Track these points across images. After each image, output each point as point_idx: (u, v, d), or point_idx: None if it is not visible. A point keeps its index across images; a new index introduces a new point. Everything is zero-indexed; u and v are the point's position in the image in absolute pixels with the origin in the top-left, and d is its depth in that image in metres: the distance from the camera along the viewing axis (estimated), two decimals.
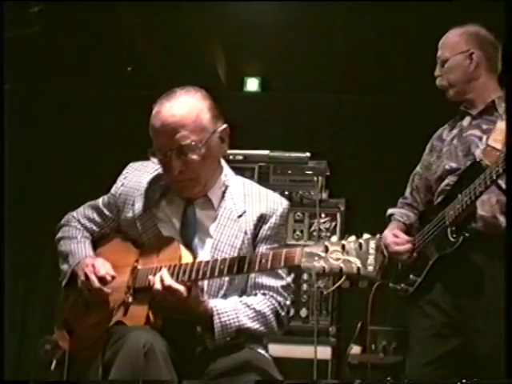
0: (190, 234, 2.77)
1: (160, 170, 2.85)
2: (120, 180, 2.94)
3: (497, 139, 3.21)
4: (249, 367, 2.56)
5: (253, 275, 2.74)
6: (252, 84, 5.19)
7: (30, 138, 5.20)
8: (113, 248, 2.95)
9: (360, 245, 2.25)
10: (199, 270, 2.55)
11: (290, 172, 4.37)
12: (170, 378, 2.45)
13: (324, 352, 3.98)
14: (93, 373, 2.68)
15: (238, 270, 2.50)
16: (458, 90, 3.44)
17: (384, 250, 2.25)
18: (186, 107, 2.67)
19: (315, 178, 4.26)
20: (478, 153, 3.28)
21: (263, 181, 4.29)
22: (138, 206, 2.84)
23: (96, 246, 2.99)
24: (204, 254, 2.73)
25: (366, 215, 4.45)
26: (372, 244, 2.24)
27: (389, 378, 3.78)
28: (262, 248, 2.74)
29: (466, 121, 3.46)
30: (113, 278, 2.73)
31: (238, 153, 4.39)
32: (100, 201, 2.99)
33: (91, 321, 2.79)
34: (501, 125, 3.25)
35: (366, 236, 2.27)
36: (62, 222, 3.06)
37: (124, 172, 2.96)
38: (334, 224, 4.21)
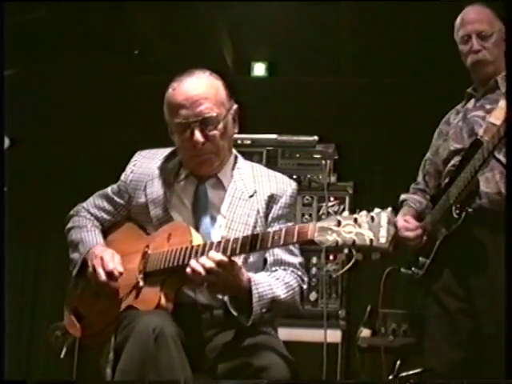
0: (202, 214, 2.79)
1: (171, 155, 2.90)
2: (129, 167, 2.97)
3: (498, 116, 3.19)
4: (261, 348, 2.55)
5: (272, 252, 2.75)
6: (259, 69, 5.19)
7: (33, 124, 5.17)
8: (123, 235, 2.96)
9: (372, 218, 2.25)
10: (211, 251, 2.54)
11: (298, 156, 4.35)
12: (180, 362, 2.44)
13: (334, 335, 3.97)
14: (104, 358, 2.67)
15: (251, 248, 2.50)
16: (498, 67, 3.36)
17: (396, 222, 2.23)
18: (206, 82, 2.75)
19: (323, 162, 4.23)
20: (480, 131, 3.28)
21: (271, 165, 4.25)
22: (151, 190, 2.86)
23: (106, 234, 2.99)
24: (217, 234, 2.74)
25: (375, 198, 4.44)
26: (384, 217, 2.24)
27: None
28: (275, 227, 2.74)
29: (471, 103, 3.48)
30: (120, 274, 2.72)
31: (246, 137, 4.37)
32: (109, 189, 3.01)
33: (101, 307, 2.79)
34: (503, 103, 3.22)
35: (377, 209, 2.26)
36: (72, 212, 3.07)
37: (133, 159, 2.99)
38: (342, 207, 4.19)
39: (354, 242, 2.24)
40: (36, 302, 5.21)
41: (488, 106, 3.36)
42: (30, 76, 4.53)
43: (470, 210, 3.22)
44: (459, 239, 3.27)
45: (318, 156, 4.28)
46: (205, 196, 2.81)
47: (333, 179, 4.28)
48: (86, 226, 2.96)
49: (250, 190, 2.81)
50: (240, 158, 2.90)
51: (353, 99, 4.86)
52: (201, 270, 2.47)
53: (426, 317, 3.45)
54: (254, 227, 2.75)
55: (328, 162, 4.26)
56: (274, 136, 4.42)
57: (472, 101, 3.48)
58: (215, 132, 2.72)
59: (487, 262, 3.25)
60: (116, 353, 2.51)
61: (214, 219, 2.79)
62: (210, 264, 2.47)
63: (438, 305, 3.35)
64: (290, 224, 2.78)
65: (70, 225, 3.02)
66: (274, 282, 2.64)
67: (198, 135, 2.70)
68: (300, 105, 4.85)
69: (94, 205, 3.02)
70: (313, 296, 4.09)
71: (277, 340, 2.70)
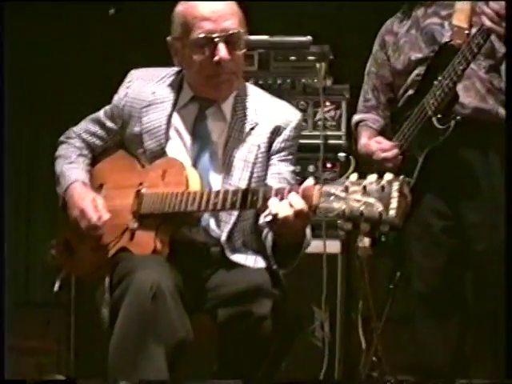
0: (200, 148, 2.71)
1: (167, 79, 2.78)
2: (123, 89, 2.84)
3: (461, 18, 3.13)
4: (260, 292, 2.51)
5: (274, 184, 2.66)
6: None
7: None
8: (115, 164, 2.88)
9: (382, 187, 2.13)
10: (209, 201, 2.48)
11: (291, 58, 4.15)
12: (179, 320, 2.43)
13: (333, 246, 3.93)
14: (99, 295, 2.70)
15: (252, 204, 2.42)
16: None
17: (407, 193, 2.13)
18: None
19: (318, 65, 4.05)
20: (444, 38, 3.21)
21: (264, 69, 4.12)
22: (146, 119, 2.76)
23: (97, 160, 2.92)
24: (216, 170, 2.68)
25: None
26: (395, 186, 2.12)
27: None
28: (275, 160, 2.70)
29: (420, 10, 3.36)
30: (105, 222, 2.66)
31: None
32: (101, 113, 2.90)
33: (93, 244, 2.74)
34: (459, 5, 3.16)
35: (388, 177, 2.15)
36: (62, 138, 2.99)
37: (126, 80, 2.85)
38: (339, 112, 4.04)
39: (361, 213, 2.15)
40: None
41: (443, 12, 3.27)
42: None
43: (458, 117, 3.14)
44: (444, 154, 3.21)
45: (312, 58, 4.10)
46: (204, 128, 2.73)
47: (328, 83, 4.08)
48: (70, 156, 2.88)
49: (252, 121, 2.72)
50: (244, 84, 2.80)
51: None
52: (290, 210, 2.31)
53: (408, 238, 3.42)
54: (254, 163, 2.69)
55: (323, 64, 4.07)
56: (265, 37, 4.19)
57: (420, 7, 3.35)
58: (239, 52, 2.61)
59: (476, 176, 3.24)
60: (112, 311, 2.49)
61: (212, 153, 2.72)
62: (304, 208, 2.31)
63: (422, 225, 3.32)
64: (291, 157, 2.74)
65: (57, 152, 2.95)
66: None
67: (224, 51, 2.57)
68: (292, 4, 4.60)
69: (85, 129, 2.93)
70: None
71: (278, 277, 2.63)
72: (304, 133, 3.91)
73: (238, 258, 2.69)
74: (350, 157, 3.93)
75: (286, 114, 2.79)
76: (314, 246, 3.91)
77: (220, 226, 2.70)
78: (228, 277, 2.64)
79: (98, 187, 2.87)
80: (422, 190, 3.33)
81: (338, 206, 2.20)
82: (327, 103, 4.04)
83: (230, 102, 2.76)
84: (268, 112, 2.77)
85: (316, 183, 2.34)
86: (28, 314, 4.78)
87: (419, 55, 3.34)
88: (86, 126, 2.95)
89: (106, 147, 2.93)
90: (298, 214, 2.30)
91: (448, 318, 3.42)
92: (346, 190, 2.19)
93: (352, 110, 3.96)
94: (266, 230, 2.63)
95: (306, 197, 2.30)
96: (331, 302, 3.90)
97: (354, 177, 2.21)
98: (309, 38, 4.13)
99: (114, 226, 2.71)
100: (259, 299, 2.50)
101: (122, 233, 2.69)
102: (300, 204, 2.30)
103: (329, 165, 4.00)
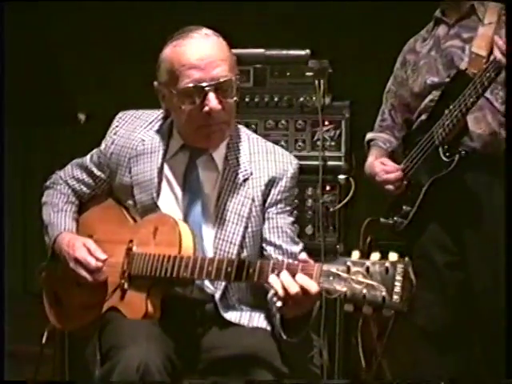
0: (192, 201, 2.59)
1: (155, 123, 2.66)
2: (110, 136, 2.71)
3: (481, 45, 2.98)
4: (254, 361, 2.43)
5: (274, 243, 2.59)
6: None
7: None
8: (104, 214, 2.76)
9: (386, 269, 2.01)
10: (203, 269, 2.36)
11: (288, 74, 3.96)
12: None
13: None
14: (90, 352, 2.61)
15: (247, 277, 2.29)
16: None
17: (412, 276, 2.01)
18: (218, 42, 2.48)
19: (316, 82, 3.88)
20: (462, 64, 3.06)
21: (259, 85, 3.93)
22: (136, 170, 2.62)
23: (85, 208, 2.81)
24: (208, 224, 2.57)
25: (373, 120, 4.14)
26: (399, 269, 2.00)
27: None
28: (273, 214, 2.57)
29: (443, 30, 3.21)
30: (104, 260, 2.57)
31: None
32: (88, 159, 2.78)
33: (84, 300, 2.65)
34: (482, 30, 3.01)
35: (392, 257, 2.03)
36: (48, 183, 2.88)
37: (113, 126, 2.73)
38: (338, 132, 3.87)
39: (364, 296, 2.03)
40: None
41: (465, 35, 3.11)
42: None
43: (463, 152, 3.03)
44: (449, 185, 3.11)
45: (310, 74, 3.92)
46: (196, 178, 2.59)
47: (327, 100, 3.88)
48: (57, 203, 2.77)
49: (245, 171, 2.58)
50: (237, 128, 2.65)
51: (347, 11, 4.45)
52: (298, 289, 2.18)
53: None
54: (248, 218, 2.56)
55: (322, 81, 3.89)
56: (261, 50, 4.01)
57: (443, 27, 3.21)
58: (230, 100, 2.46)
59: (481, 210, 3.12)
60: (102, 379, 2.40)
61: (204, 206, 2.59)
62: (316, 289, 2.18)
63: (425, 259, 3.22)
64: (289, 208, 2.61)
65: (43, 198, 2.84)
66: None
67: (214, 101, 2.42)
68: (290, 17, 4.43)
69: (71, 175, 2.82)
70: (309, 230, 3.86)
71: (270, 341, 2.52)
72: (302, 154, 3.80)
73: (232, 316, 2.58)
74: (350, 179, 3.81)
75: (282, 163, 2.63)
76: None
77: (214, 283, 2.59)
78: (222, 338, 2.54)
79: (86, 237, 2.76)
80: (424, 219, 3.24)
81: (339, 287, 2.08)
82: (326, 122, 3.87)
83: (221, 150, 2.61)
84: (262, 161, 2.62)
85: (310, 255, 2.23)
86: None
87: (435, 79, 3.21)
88: (72, 172, 2.83)
89: (94, 194, 2.82)
90: (306, 292, 2.17)
91: (451, 353, 3.33)
92: (348, 270, 2.07)
93: (352, 129, 3.84)
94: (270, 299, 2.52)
95: (305, 275, 2.18)
96: (330, 328, 3.78)
97: (355, 255, 2.09)
98: (307, 51, 3.96)
99: (104, 284, 2.60)
100: (251, 367, 2.41)
101: (113, 291, 2.58)
102: (312, 285, 2.16)
103: (328, 187, 3.85)
